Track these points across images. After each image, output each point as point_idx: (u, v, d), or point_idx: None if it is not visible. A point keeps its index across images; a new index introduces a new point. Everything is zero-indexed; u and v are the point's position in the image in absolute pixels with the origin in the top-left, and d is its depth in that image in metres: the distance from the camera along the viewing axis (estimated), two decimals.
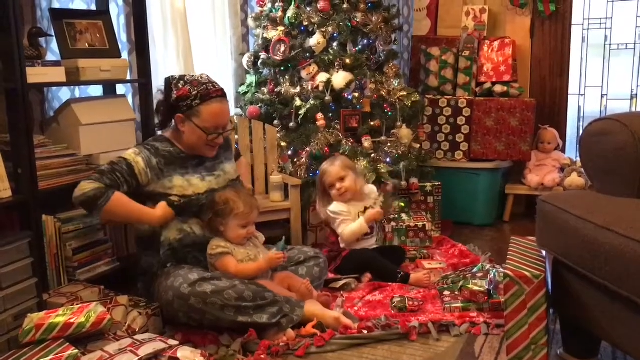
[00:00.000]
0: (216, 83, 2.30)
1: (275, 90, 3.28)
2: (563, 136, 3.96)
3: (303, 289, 2.25)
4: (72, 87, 2.54)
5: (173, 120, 2.29)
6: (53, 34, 2.38)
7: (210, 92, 2.24)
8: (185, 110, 2.22)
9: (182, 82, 2.25)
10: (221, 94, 2.28)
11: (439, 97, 3.84)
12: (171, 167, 2.25)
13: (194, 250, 2.25)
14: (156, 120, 2.41)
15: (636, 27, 3.83)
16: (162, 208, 2.19)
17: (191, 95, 2.22)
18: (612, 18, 3.88)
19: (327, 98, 3.15)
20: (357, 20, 3.28)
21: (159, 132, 2.42)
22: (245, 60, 3.42)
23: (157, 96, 2.38)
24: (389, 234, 3.13)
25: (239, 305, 2.03)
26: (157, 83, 2.83)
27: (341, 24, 3.22)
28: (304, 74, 3.23)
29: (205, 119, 2.22)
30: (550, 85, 4.00)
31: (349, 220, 2.76)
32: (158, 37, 2.93)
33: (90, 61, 2.38)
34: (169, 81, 2.29)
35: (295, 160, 3.15)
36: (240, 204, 2.22)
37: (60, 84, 2.36)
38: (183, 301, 2.03)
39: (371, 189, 2.90)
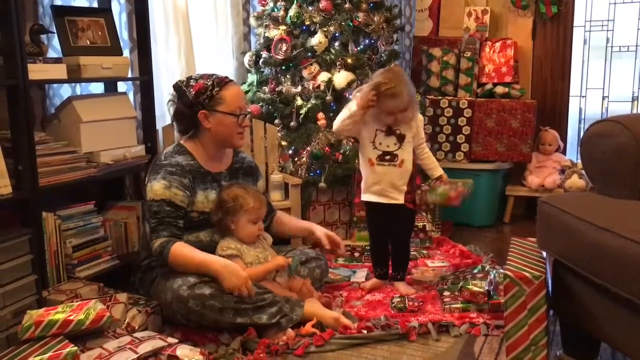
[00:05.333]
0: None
1: (277, 89, 3.28)
2: (564, 138, 3.96)
3: (303, 289, 2.25)
4: (73, 84, 2.54)
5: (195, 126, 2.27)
6: (54, 31, 2.38)
7: (222, 78, 2.26)
8: (207, 102, 2.21)
9: (192, 80, 2.25)
10: (231, 80, 2.31)
11: (440, 97, 3.83)
12: (195, 181, 2.22)
13: None
14: (176, 129, 2.35)
15: (638, 29, 3.83)
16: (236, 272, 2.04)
17: (208, 86, 2.21)
18: (614, 20, 3.88)
19: (328, 97, 3.14)
20: (359, 20, 3.28)
21: (181, 141, 2.33)
22: (246, 59, 3.42)
23: (170, 106, 2.32)
24: None
25: (238, 307, 2.02)
26: (159, 81, 2.84)
27: (343, 23, 3.22)
28: (305, 73, 3.23)
29: (230, 102, 2.23)
30: (552, 86, 3.99)
31: (358, 121, 2.39)
32: (159, 35, 2.93)
33: (92, 58, 2.37)
34: (178, 85, 2.27)
35: (296, 159, 3.14)
36: (249, 199, 2.21)
37: (61, 81, 2.36)
38: (182, 303, 2.02)
39: (419, 129, 2.47)
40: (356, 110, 2.35)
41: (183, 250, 2.09)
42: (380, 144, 2.41)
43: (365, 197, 2.47)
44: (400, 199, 2.42)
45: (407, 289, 2.49)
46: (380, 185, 2.43)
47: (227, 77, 2.29)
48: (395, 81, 2.34)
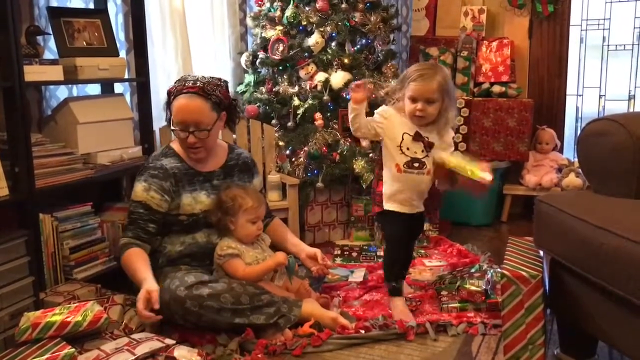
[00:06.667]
0: (201, 81, 2.19)
1: (274, 89, 3.28)
2: (561, 137, 3.96)
3: (301, 289, 2.25)
4: (70, 85, 2.54)
5: None
6: (51, 32, 2.38)
7: (184, 88, 2.17)
8: (168, 109, 2.24)
9: (177, 80, 2.25)
10: (193, 91, 2.16)
11: None
12: (180, 184, 2.21)
13: (192, 260, 2.24)
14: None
15: (634, 28, 3.83)
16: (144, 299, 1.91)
17: (171, 93, 2.21)
18: (610, 19, 3.88)
19: (325, 97, 3.15)
20: (356, 20, 3.28)
21: (171, 143, 2.33)
22: (243, 59, 3.42)
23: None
24: None
25: (236, 308, 2.02)
26: (156, 82, 2.84)
27: (339, 23, 3.22)
28: (302, 73, 3.23)
29: (174, 115, 2.19)
30: (548, 85, 4.00)
31: (380, 127, 2.25)
32: (156, 36, 2.93)
33: (88, 60, 2.37)
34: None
35: (293, 159, 3.15)
36: (248, 199, 2.21)
37: (57, 83, 2.35)
38: (179, 304, 2.01)
39: (448, 136, 2.25)
40: (351, 103, 2.23)
41: (130, 260, 2.08)
42: (408, 149, 2.19)
43: (389, 206, 2.24)
44: (421, 207, 2.31)
45: (406, 289, 2.48)
46: (404, 194, 2.23)
47: (190, 88, 2.16)
48: (427, 66, 2.24)
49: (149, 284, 1.96)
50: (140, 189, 2.16)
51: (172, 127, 2.22)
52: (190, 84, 2.18)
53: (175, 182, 2.20)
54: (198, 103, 2.17)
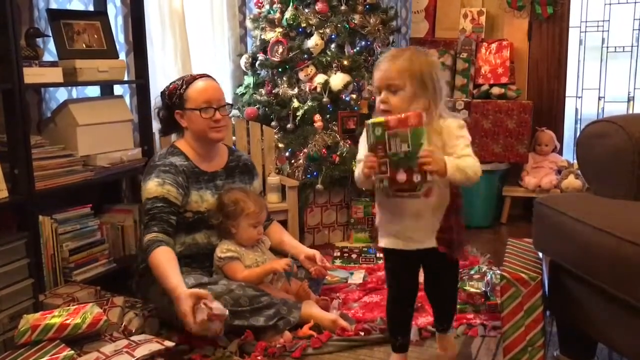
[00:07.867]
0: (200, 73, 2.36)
1: (273, 91, 3.28)
2: (560, 138, 3.97)
3: (300, 291, 2.25)
4: (70, 87, 2.54)
5: (177, 127, 2.33)
6: (50, 35, 2.38)
7: (195, 76, 2.30)
8: (178, 102, 2.24)
9: (170, 84, 2.30)
10: (206, 75, 2.31)
11: None
12: (189, 180, 2.23)
13: (192, 262, 2.24)
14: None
15: (633, 29, 3.84)
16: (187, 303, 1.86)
17: (178, 86, 2.26)
18: (609, 21, 3.89)
19: (324, 99, 3.15)
20: (355, 21, 3.29)
21: (175, 142, 2.35)
22: (243, 61, 3.42)
23: (156, 112, 2.39)
24: None
25: (235, 310, 2.02)
26: (155, 84, 2.84)
27: (339, 25, 3.23)
28: (301, 75, 3.23)
29: (194, 98, 2.22)
30: (548, 87, 4.00)
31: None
32: (156, 38, 2.93)
33: (88, 62, 2.37)
34: (161, 91, 2.34)
35: (293, 161, 3.15)
36: (250, 204, 2.22)
37: (57, 85, 2.36)
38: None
39: (449, 126, 1.70)
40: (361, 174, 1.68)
41: (162, 260, 2.01)
42: None
43: (383, 242, 1.77)
44: (429, 242, 1.71)
45: (452, 347, 1.95)
46: (397, 226, 1.72)
47: (200, 75, 2.31)
48: (392, 51, 1.73)
49: (183, 290, 1.87)
50: (153, 185, 2.14)
51: (198, 109, 2.20)
52: (198, 74, 2.32)
53: (186, 178, 2.21)
54: (215, 82, 2.32)
